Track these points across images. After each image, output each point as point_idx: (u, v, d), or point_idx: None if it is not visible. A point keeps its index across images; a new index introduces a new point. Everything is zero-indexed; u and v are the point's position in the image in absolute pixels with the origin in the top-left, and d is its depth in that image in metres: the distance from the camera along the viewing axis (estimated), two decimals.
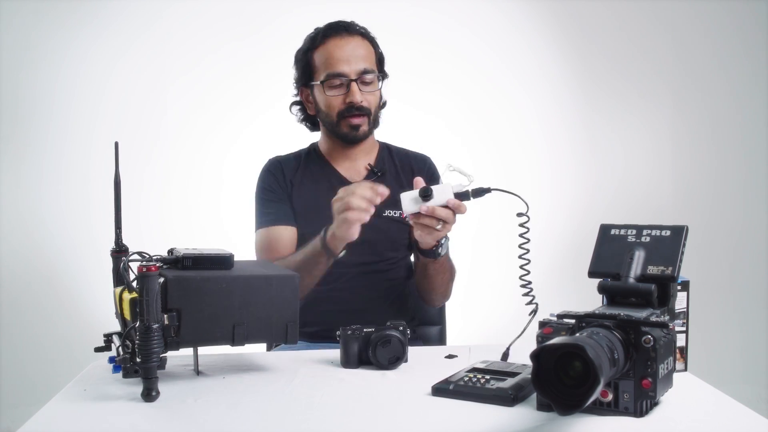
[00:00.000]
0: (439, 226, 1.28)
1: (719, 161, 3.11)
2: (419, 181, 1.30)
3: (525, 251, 1.21)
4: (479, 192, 1.26)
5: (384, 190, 1.33)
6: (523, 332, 1.17)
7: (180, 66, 2.88)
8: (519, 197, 1.19)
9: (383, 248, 1.63)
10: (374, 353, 1.16)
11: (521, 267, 1.21)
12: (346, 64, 1.56)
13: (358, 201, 1.31)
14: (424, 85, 2.87)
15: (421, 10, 2.99)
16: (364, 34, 1.62)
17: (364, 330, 1.18)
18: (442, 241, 1.43)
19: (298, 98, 1.69)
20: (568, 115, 3.10)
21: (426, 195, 1.26)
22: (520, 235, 1.21)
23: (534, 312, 1.17)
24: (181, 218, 2.84)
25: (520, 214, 1.19)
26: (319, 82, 1.59)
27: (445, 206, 1.26)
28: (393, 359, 1.17)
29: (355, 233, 1.35)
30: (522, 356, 1.02)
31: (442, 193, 1.27)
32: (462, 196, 1.27)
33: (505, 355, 1.17)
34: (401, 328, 1.18)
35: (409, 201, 1.28)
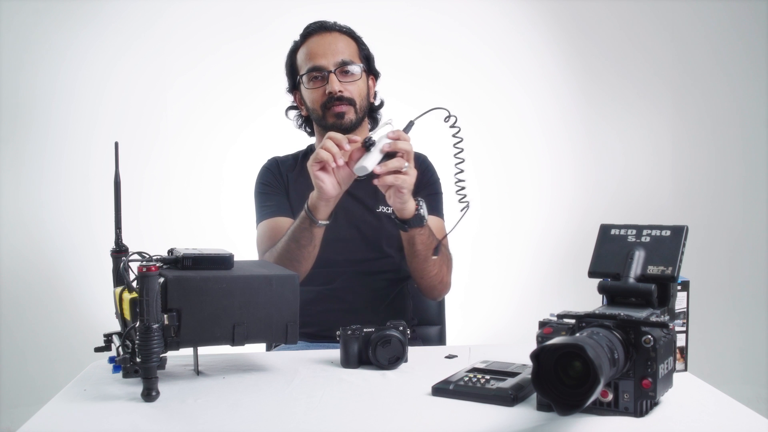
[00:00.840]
0: (406, 165, 1.32)
1: (719, 161, 3.10)
2: (355, 153, 1.35)
3: (459, 150, 1.31)
4: (408, 127, 1.35)
5: (356, 138, 1.38)
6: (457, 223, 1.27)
7: (180, 66, 2.89)
8: (441, 108, 1.28)
9: (380, 243, 1.63)
10: (374, 353, 1.16)
11: (456, 165, 1.30)
12: (323, 58, 1.58)
13: (329, 143, 1.35)
14: (424, 85, 2.87)
15: (421, 10, 2.99)
16: (345, 32, 1.64)
17: (364, 330, 1.18)
18: (420, 202, 1.44)
19: (293, 104, 1.72)
20: (568, 115, 3.10)
21: (369, 143, 1.32)
22: (454, 135, 1.30)
23: (466, 207, 1.27)
24: (181, 218, 2.84)
25: (446, 119, 1.28)
26: (300, 78, 1.62)
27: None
28: (393, 359, 1.17)
29: (329, 187, 1.38)
30: (522, 356, 1.02)
31: (381, 136, 1.33)
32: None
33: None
34: (401, 328, 1.18)
35: (363, 164, 1.31)
